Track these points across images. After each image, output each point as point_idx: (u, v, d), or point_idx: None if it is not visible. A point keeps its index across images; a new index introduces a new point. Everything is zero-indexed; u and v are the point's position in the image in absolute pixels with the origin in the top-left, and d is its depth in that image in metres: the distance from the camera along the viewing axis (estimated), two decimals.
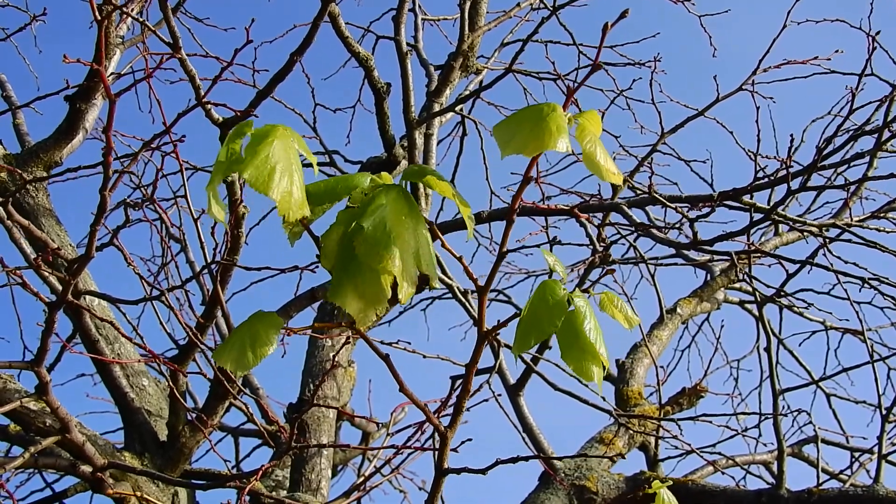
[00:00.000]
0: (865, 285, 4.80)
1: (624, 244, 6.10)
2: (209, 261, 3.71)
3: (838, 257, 4.98)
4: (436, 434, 1.80)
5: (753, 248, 4.59)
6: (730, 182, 4.46)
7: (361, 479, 5.03)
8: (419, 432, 4.27)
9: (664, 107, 7.58)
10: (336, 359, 4.82)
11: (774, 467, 5.69)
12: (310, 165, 1.57)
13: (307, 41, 2.94)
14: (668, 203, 4.40)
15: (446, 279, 4.89)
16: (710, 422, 4.81)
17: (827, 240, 4.63)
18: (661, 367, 5.51)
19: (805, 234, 5.99)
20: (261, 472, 3.03)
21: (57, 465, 3.53)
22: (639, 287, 8.82)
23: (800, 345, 6.79)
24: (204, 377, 4.05)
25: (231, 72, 4.72)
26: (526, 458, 2.15)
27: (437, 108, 5.44)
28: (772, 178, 4.49)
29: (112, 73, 4.84)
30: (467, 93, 5.62)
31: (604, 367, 1.62)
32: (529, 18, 6.45)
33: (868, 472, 5.76)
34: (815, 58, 5.49)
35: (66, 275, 2.52)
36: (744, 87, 5.56)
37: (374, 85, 4.69)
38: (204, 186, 1.52)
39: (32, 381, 2.89)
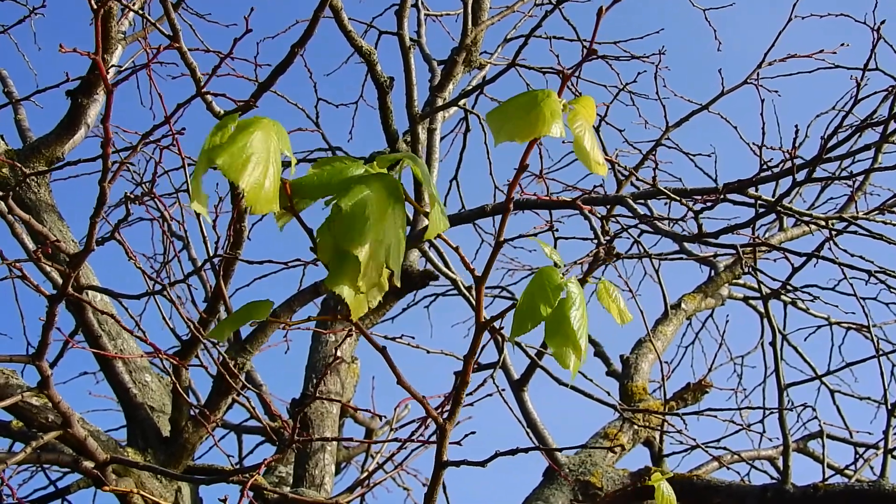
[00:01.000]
0: (872, 279, 4.78)
1: (628, 240, 6.09)
2: (211, 255, 3.70)
3: (844, 250, 4.95)
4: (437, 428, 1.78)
5: (759, 241, 4.57)
6: (734, 177, 4.44)
7: (365, 474, 5.02)
8: (423, 427, 4.26)
9: (668, 101, 7.57)
10: (339, 353, 4.81)
11: (779, 463, 5.69)
12: (288, 164, 1.54)
13: (308, 32, 2.92)
14: (672, 196, 4.38)
15: (450, 274, 4.88)
16: (715, 416, 4.79)
17: (833, 232, 4.61)
18: (666, 362, 5.49)
19: (811, 226, 5.97)
20: (264, 467, 3.02)
21: (59, 460, 3.52)
22: (643, 283, 8.82)
23: (805, 339, 6.76)
24: (207, 372, 4.04)
25: (232, 68, 4.71)
26: (526, 450, 2.14)
27: (440, 102, 5.43)
28: (777, 170, 4.47)
29: (113, 66, 4.83)
30: (470, 88, 5.60)
31: (581, 360, 1.60)
32: (533, 13, 6.44)
33: (872, 468, 5.74)
34: (821, 51, 5.48)
35: (66, 268, 2.51)
36: (749, 80, 5.55)
37: (377, 79, 4.67)
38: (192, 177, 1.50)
39: (35, 377, 2.88)
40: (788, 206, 4.36)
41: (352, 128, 6.73)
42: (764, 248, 5.73)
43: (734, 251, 4.66)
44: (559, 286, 1.56)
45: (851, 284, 5.05)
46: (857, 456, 5.64)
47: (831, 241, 4.81)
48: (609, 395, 4.88)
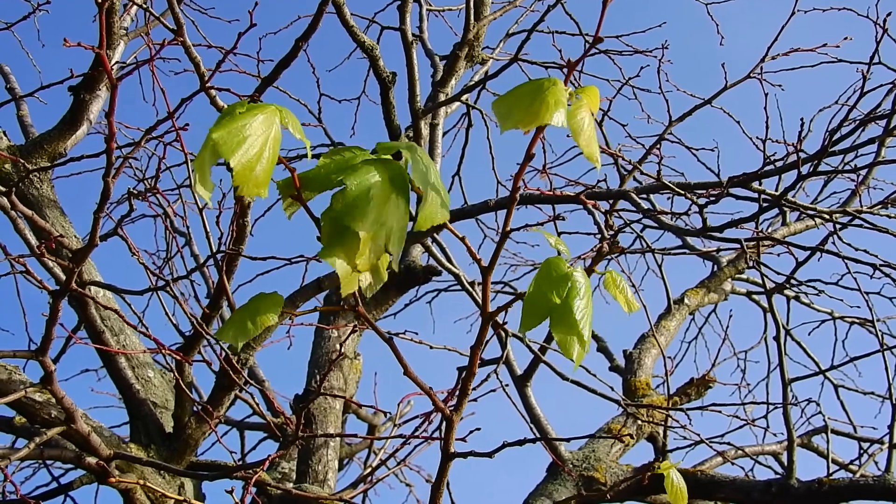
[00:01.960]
0: (876, 273, 4.77)
1: (631, 234, 6.08)
2: (214, 251, 3.70)
3: (848, 244, 4.94)
4: (443, 421, 1.78)
5: (763, 235, 4.56)
6: (736, 172, 4.44)
7: (368, 469, 5.01)
8: (426, 422, 4.25)
9: (671, 96, 7.56)
10: (342, 348, 4.80)
11: (784, 458, 5.68)
12: (296, 158, 1.53)
13: (312, 27, 2.92)
14: (676, 190, 4.38)
15: (453, 269, 4.87)
16: (719, 411, 4.78)
17: (837, 226, 4.60)
18: (669, 357, 5.48)
19: (815, 220, 5.96)
20: (267, 462, 3.01)
21: (62, 456, 3.51)
22: (646, 278, 8.79)
23: (809, 334, 6.77)
24: (209, 368, 4.04)
25: (235, 63, 4.71)
26: (533, 441, 2.14)
27: (442, 98, 5.42)
28: (781, 164, 4.46)
29: (116, 62, 4.82)
30: (473, 83, 5.60)
31: (584, 350, 1.59)
32: (535, 8, 6.44)
33: (877, 463, 5.74)
34: (824, 45, 5.47)
35: (70, 263, 2.50)
36: (752, 75, 5.53)
37: (379, 75, 4.66)
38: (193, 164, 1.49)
39: (38, 374, 2.87)
40: (792, 201, 4.35)
41: (354, 123, 6.73)
42: (767, 243, 5.72)
43: (738, 245, 4.66)
44: (566, 275, 1.55)
45: (855, 279, 5.04)
46: (862, 451, 5.63)
47: (835, 236, 4.80)
48: (612, 390, 4.86)
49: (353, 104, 6.74)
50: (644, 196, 4.88)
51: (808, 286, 6.44)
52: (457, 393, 2.67)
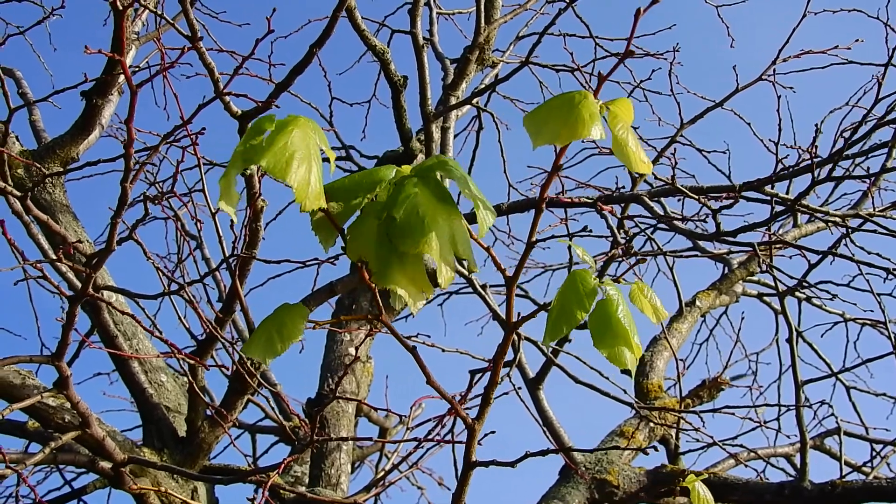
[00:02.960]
0: (888, 275, 4.76)
1: (642, 237, 6.08)
2: (227, 255, 3.70)
3: (861, 247, 4.94)
4: (456, 428, 1.78)
5: (775, 238, 4.56)
6: (748, 174, 4.45)
7: (381, 473, 5.02)
8: (439, 426, 4.25)
9: (682, 98, 7.55)
10: (357, 352, 4.81)
11: (797, 460, 5.66)
12: (327, 160, 1.55)
13: (326, 33, 2.92)
14: (690, 194, 4.37)
15: (464, 272, 4.87)
16: (732, 414, 4.77)
17: (849, 229, 4.60)
18: (681, 360, 5.48)
19: (828, 223, 5.95)
20: (282, 467, 3.01)
21: (76, 461, 3.52)
22: (657, 280, 8.78)
23: (821, 336, 6.75)
24: (222, 372, 4.04)
25: (247, 67, 4.70)
26: (556, 451, 2.14)
27: (453, 101, 5.42)
28: (795, 167, 4.45)
29: (129, 67, 4.83)
30: (483, 86, 5.60)
31: (637, 356, 1.60)
32: (545, 11, 6.44)
33: (889, 465, 5.74)
34: (835, 47, 5.46)
35: (85, 268, 2.51)
36: (763, 77, 5.53)
37: (390, 78, 4.66)
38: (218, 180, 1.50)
39: (50, 378, 2.87)
40: (805, 204, 4.35)
41: (365, 126, 6.73)
42: (780, 245, 5.71)
43: (750, 248, 4.65)
44: (594, 289, 1.56)
45: (867, 281, 5.04)
46: (875, 453, 5.62)
47: (847, 238, 4.79)
48: (625, 392, 4.86)
49: (364, 107, 6.74)
50: (657, 199, 4.87)
51: (820, 288, 6.43)
52: (470, 398, 2.66)
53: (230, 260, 3.68)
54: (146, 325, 3.51)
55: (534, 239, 1.58)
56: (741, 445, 5.16)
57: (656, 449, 5.20)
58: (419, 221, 1.41)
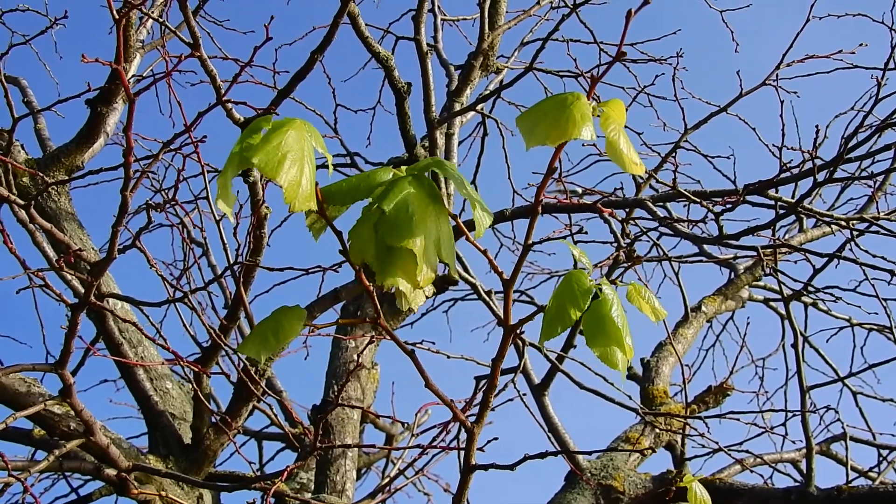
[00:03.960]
0: (894, 279, 4.75)
1: (647, 242, 6.07)
2: (232, 262, 3.71)
3: (865, 251, 4.93)
4: (461, 435, 1.78)
5: (779, 242, 4.56)
6: (753, 179, 4.44)
7: (387, 480, 5.01)
8: (444, 432, 4.25)
9: (686, 103, 7.55)
10: (360, 359, 4.81)
11: (802, 465, 5.65)
12: (325, 166, 1.55)
13: (328, 39, 2.93)
14: (692, 198, 4.37)
15: (469, 278, 4.87)
16: (738, 419, 4.77)
17: (854, 233, 4.59)
18: (687, 365, 5.47)
19: (832, 227, 5.95)
20: (286, 474, 3.02)
21: (81, 468, 3.52)
22: (662, 286, 8.77)
23: (827, 341, 6.73)
24: (227, 379, 4.04)
25: (251, 74, 4.71)
26: (554, 454, 2.14)
27: (457, 107, 5.43)
28: (797, 171, 4.45)
29: (133, 76, 4.84)
30: (488, 92, 5.60)
31: (628, 357, 1.60)
32: (549, 17, 6.45)
33: None
34: (839, 51, 5.46)
35: (88, 276, 2.51)
36: (767, 82, 5.52)
37: (394, 85, 4.67)
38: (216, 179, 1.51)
39: (56, 385, 2.88)
40: (809, 207, 4.34)
41: (370, 133, 6.73)
42: (784, 250, 5.71)
43: (755, 253, 4.65)
44: (589, 289, 1.56)
45: (873, 285, 5.03)
46: (881, 458, 5.60)
47: (852, 242, 4.79)
48: (630, 398, 4.86)
49: (369, 114, 6.74)
50: (660, 204, 4.87)
51: (826, 293, 6.41)
52: (475, 403, 2.67)
53: (234, 267, 3.69)
54: (150, 334, 3.52)
55: (530, 242, 1.58)
56: (747, 451, 5.15)
57: (654, 451, 5.18)
58: (408, 218, 1.41)
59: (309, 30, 6.01)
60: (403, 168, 1.55)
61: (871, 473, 5.57)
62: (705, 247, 6.25)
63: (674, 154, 5.64)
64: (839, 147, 4.17)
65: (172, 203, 4.20)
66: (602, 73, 1.50)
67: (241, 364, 3.94)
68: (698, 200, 4.38)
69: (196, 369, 3.81)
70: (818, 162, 4.14)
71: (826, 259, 4.51)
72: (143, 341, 4.41)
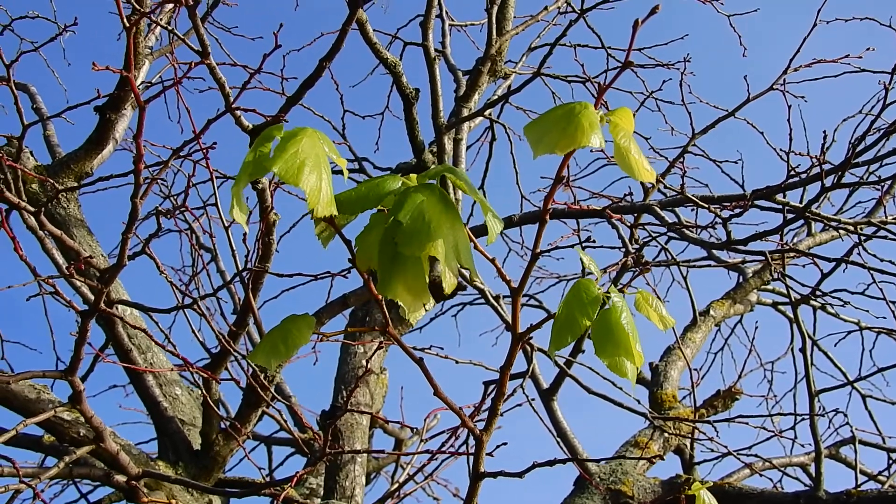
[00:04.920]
0: None
1: (655, 247, 6.07)
2: (241, 268, 3.71)
3: (873, 255, 4.93)
4: (471, 440, 1.79)
5: (787, 247, 4.55)
6: (761, 184, 4.43)
7: (395, 485, 5.02)
8: (453, 438, 4.25)
9: (694, 108, 7.55)
10: (369, 364, 4.81)
11: (812, 469, 5.64)
12: (340, 172, 1.56)
13: (336, 46, 2.93)
14: (700, 203, 4.37)
15: (478, 283, 4.87)
16: (746, 423, 4.76)
17: (862, 237, 4.59)
18: (695, 369, 5.47)
19: (840, 231, 5.94)
20: (296, 479, 3.02)
21: (91, 474, 3.53)
22: (671, 290, 8.77)
23: (835, 344, 6.73)
24: (237, 385, 4.05)
25: (259, 81, 4.73)
26: (563, 461, 2.14)
27: (465, 112, 5.43)
28: (805, 175, 4.45)
29: (142, 82, 4.85)
30: (496, 97, 5.60)
31: (637, 365, 1.60)
32: (557, 22, 6.45)
33: None
34: (847, 56, 5.46)
35: (98, 283, 2.52)
36: (775, 86, 5.52)
37: (402, 90, 4.68)
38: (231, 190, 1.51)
39: (66, 392, 2.89)
40: (817, 212, 4.34)
41: (378, 139, 6.74)
42: (793, 254, 5.70)
43: (763, 257, 4.64)
44: (597, 298, 1.56)
45: (881, 289, 5.02)
46: (891, 461, 5.59)
47: (860, 246, 4.78)
48: (639, 403, 4.85)
49: (377, 120, 6.75)
50: (668, 209, 4.87)
51: (834, 297, 6.42)
52: (483, 409, 2.67)
53: (243, 273, 3.69)
54: (159, 340, 3.53)
55: (538, 250, 1.59)
56: (756, 455, 5.14)
57: (661, 458, 5.18)
58: (425, 226, 1.42)
59: (317, 36, 6.01)
60: (413, 176, 1.55)
61: (880, 477, 5.56)
62: (714, 251, 6.24)
63: (682, 159, 5.64)
64: (847, 151, 4.16)
65: (182, 209, 4.21)
66: (610, 81, 1.51)
67: (251, 370, 3.95)
68: (706, 205, 4.37)
69: (205, 375, 3.82)
70: (826, 166, 4.13)
71: (834, 263, 4.51)
72: (152, 347, 4.42)
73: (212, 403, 3.93)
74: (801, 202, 4.50)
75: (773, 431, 5.42)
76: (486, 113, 5.27)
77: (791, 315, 6.01)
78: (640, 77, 6.35)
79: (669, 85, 6.51)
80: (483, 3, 5.74)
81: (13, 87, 3.36)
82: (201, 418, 4.19)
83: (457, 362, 4.75)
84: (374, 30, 4.54)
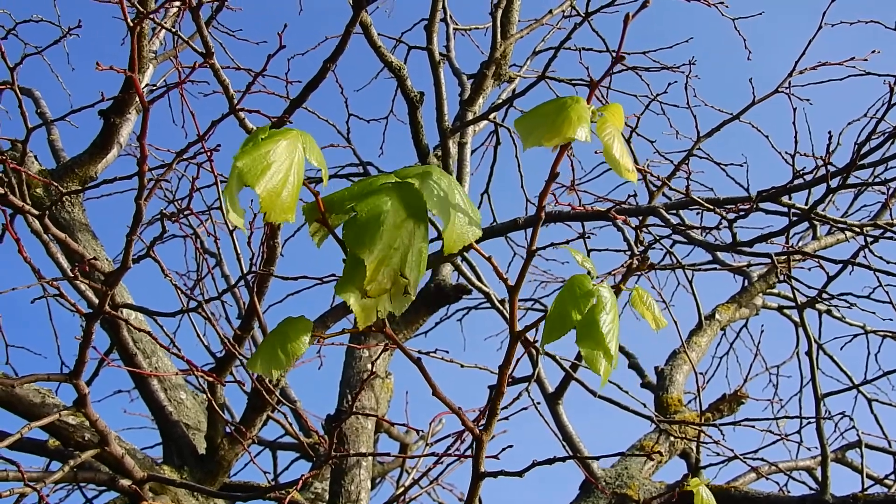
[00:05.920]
0: None
1: (660, 250, 6.06)
2: (245, 272, 3.71)
3: (880, 257, 4.91)
4: (471, 440, 1.78)
5: (793, 249, 4.54)
6: (766, 186, 4.42)
7: (401, 490, 5.01)
8: (458, 441, 4.25)
9: (699, 111, 7.55)
10: (374, 368, 4.81)
11: (818, 473, 5.63)
12: (319, 180, 1.55)
13: (340, 48, 2.93)
14: (705, 205, 4.36)
15: (482, 287, 4.87)
16: (752, 427, 4.75)
17: (868, 239, 4.58)
18: (701, 373, 5.46)
19: (846, 233, 5.93)
20: (301, 483, 3.02)
21: (96, 478, 3.53)
22: (676, 294, 8.77)
23: (841, 348, 6.69)
24: (242, 389, 4.05)
25: (263, 84, 4.73)
26: (563, 459, 2.13)
27: (470, 116, 5.43)
28: (810, 177, 4.44)
29: (146, 85, 4.85)
30: (500, 101, 5.61)
31: (611, 365, 1.58)
32: (561, 26, 6.45)
33: None
34: (852, 58, 5.44)
35: (102, 286, 2.52)
36: (780, 89, 5.51)
37: (407, 94, 4.68)
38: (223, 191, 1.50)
39: (71, 396, 2.88)
40: (822, 214, 4.33)
41: (382, 143, 6.73)
42: (798, 257, 5.69)
43: (769, 260, 4.64)
44: (589, 292, 1.55)
45: (887, 292, 5.02)
46: None
47: (866, 249, 4.77)
48: (644, 406, 4.85)
49: (382, 124, 6.74)
50: (673, 212, 4.86)
51: (840, 300, 6.41)
52: (486, 412, 2.67)
53: (248, 277, 3.69)
54: (164, 344, 3.52)
55: (534, 248, 1.58)
56: (762, 459, 5.14)
57: (662, 456, 5.17)
58: (376, 227, 1.40)
59: (321, 39, 6.01)
60: (398, 171, 1.53)
61: (886, 481, 5.55)
62: (719, 254, 6.24)
63: (687, 161, 5.63)
64: (852, 154, 4.15)
65: (186, 213, 4.21)
66: (602, 76, 1.50)
67: (256, 374, 3.95)
68: (711, 208, 4.36)
69: (210, 379, 3.81)
70: (831, 168, 4.12)
71: (840, 266, 4.51)
72: (157, 351, 4.42)
73: (217, 407, 3.92)
74: (806, 204, 4.49)
75: (779, 435, 5.42)
76: (491, 116, 5.27)
77: (796, 318, 6.01)
78: (644, 80, 6.33)
79: (674, 88, 6.53)
80: (487, 6, 5.75)
81: (17, 91, 3.36)
82: (206, 422, 4.19)
83: (462, 366, 4.76)
84: (378, 34, 4.55)
